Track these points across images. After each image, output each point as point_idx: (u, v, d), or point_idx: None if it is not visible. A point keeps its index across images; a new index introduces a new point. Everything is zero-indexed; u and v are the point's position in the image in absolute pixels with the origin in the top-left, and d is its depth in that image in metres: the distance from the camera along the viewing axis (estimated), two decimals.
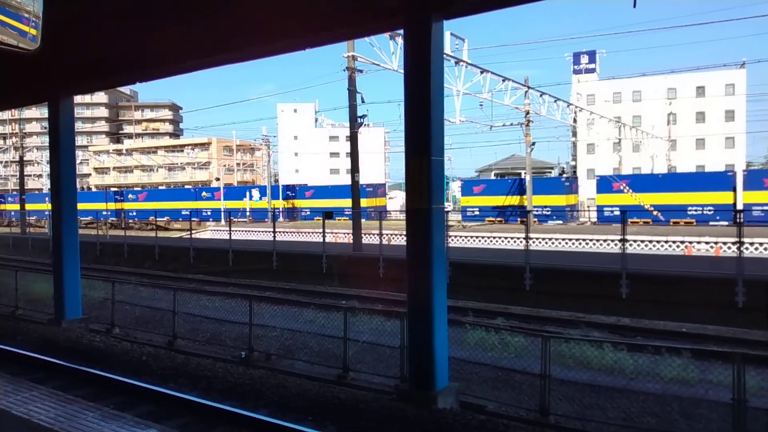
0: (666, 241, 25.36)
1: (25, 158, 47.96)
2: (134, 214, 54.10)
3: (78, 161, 13.39)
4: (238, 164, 79.70)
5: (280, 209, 48.81)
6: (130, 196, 58.84)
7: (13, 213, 56.82)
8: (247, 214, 49.08)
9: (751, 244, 22.09)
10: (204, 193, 54.77)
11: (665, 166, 53.25)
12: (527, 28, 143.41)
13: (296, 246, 23.30)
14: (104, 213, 53.94)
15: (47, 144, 13.64)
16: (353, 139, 21.93)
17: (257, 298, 10.60)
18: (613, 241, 25.01)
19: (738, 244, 12.70)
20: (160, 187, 72.72)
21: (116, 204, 57.27)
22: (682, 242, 24.82)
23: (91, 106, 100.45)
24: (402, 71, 7.59)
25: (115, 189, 67.47)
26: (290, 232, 33.36)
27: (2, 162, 79.19)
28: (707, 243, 24.12)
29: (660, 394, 6.71)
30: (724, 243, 22.55)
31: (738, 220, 13.06)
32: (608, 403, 6.81)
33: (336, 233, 29.55)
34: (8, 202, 64.61)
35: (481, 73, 26.59)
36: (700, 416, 6.40)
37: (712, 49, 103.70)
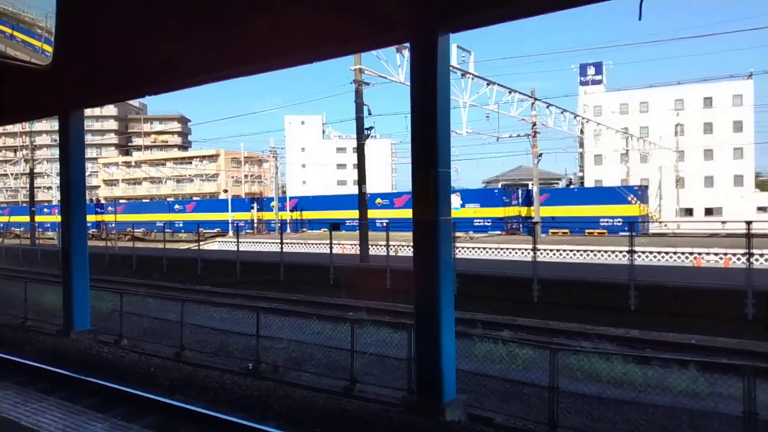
0: (675, 252, 25.20)
1: (35, 170, 48.40)
2: (278, 224, 45.91)
3: (87, 173, 13.51)
4: (246, 176, 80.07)
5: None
6: (273, 204, 51.15)
7: (113, 225, 51.53)
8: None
9: (762, 255, 21.91)
10: (378, 200, 45.60)
11: (673, 177, 53.05)
12: (534, 40, 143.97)
13: (306, 257, 23.34)
14: (239, 224, 47.52)
15: (57, 156, 13.79)
16: (360, 150, 22.00)
17: (264, 310, 10.60)
18: (621, 252, 24.91)
19: (747, 256, 12.62)
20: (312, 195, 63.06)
21: (251, 213, 52.71)
22: (691, 253, 24.66)
23: (100, 119, 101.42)
24: (409, 84, 7.64)
25: (252, 196, 60.87)
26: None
27: (13, 174, 79.95)
28: (716, 254, 23.94)
29: (669, 406, 6.65)
30: (734, 254, 22.39)
31: (749, 232, 12.94)
32: (617, 416, 6.76)
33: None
34: (107, 211, 58.82)
35: (488, 85, 26.70)
36: (711, 429, 6.33)
37: (719, 60, 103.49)
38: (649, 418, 6.61)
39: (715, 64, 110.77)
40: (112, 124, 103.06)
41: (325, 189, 68.09)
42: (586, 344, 10.20)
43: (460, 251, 24.26)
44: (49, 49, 3.86)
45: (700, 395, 6.81)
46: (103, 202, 74.09)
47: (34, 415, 5.59)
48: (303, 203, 52.53)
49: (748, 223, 13.01)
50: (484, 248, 30.97)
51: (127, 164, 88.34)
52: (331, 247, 20.19)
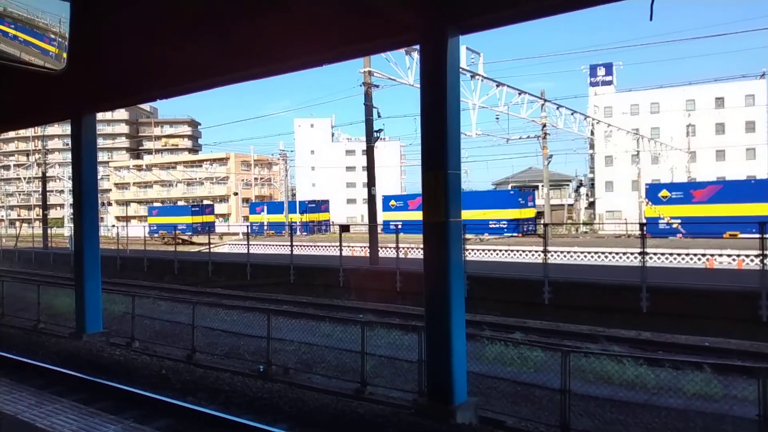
0: (687, 254, 25.00)
1: (47, 174, 48.85)
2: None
3: (99, 177, 13.62)
4: (255, 179, 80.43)
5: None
6: (392, 203, 45.45)
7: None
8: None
9: None
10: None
11: (685, 178, 52.62)
12: (543, 41, 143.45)
13: (314, 260, 23.38)
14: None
15: (69, 160, 13.89)
16: (370, 153, 22.02)
17: (275, 312, 10.63)
18: (632, 254, 24.76)
19: (761, 257, 12.49)
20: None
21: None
22: (704, 255, 24.45)
23: (111, 123, 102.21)
24: (418, 86, 7.64)
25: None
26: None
27: (26, 178, 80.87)
28: (729, 256, 23.73)
29: (683, 409, 6.60)
30: (747, 256, 22.18)
31: (762, 233, 12.81)
32: (630, 418, 6.71)
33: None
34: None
35: (497, 86, 26.66)
36: None
37: (731, 60, 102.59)
38: (662, 420, 6.56)
39: (727, 63, 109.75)
40: (123, 128, 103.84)
41: (334, 192, 68.05)
42: (597, 347, 10.14)
43: (469, 254, 24.17)
44: (62, 53, 3.89)
45: (714, 398, 6.75)
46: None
47: (49, 417, 5.64)
48: None
49: (762, 224, 12.87)
50: (494, 250, 30.85)
51: (138, 168, 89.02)
52: (341, 250, 20.23)
